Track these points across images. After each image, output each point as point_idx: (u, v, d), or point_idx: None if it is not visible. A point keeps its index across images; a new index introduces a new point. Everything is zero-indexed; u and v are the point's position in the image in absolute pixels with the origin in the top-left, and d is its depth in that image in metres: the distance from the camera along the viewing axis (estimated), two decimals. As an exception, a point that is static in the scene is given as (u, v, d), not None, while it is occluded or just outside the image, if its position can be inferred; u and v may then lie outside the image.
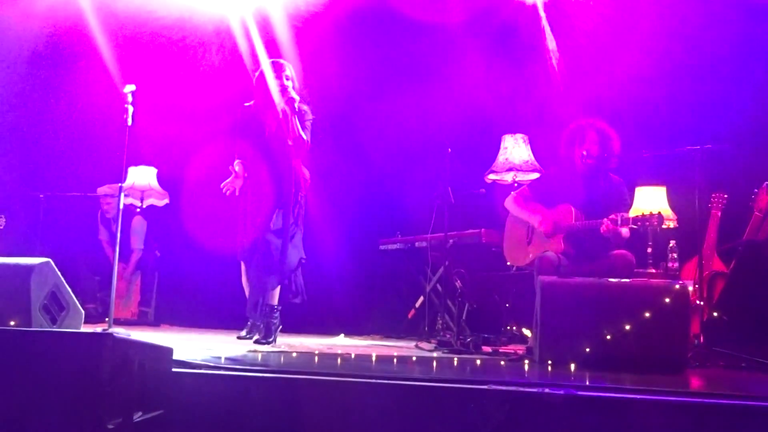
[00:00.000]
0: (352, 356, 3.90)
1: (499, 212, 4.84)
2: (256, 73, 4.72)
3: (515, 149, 5.71)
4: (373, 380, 2.71)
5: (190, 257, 6.70)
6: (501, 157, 5.74)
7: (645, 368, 3.31)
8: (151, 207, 6.84)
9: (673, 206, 5.17)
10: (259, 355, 3.72)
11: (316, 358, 3.69)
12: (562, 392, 2.51)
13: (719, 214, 4.98)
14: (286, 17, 6.15)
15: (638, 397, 2.49)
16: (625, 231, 4.19)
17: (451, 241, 5.28)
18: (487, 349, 4.47)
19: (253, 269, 4.55)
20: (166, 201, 6.84)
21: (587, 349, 3.46)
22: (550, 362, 3.48)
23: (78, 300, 3.90)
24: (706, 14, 5.36)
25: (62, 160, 6.89)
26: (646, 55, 5.53)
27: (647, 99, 5.46)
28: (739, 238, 4.75)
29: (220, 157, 5.12)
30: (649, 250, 5.00)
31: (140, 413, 2.44)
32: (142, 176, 6.71)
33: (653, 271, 4.89)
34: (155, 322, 6.71)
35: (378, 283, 6.56)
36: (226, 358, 3.28)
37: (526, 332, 5.23)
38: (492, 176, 5.82)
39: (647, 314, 3.46)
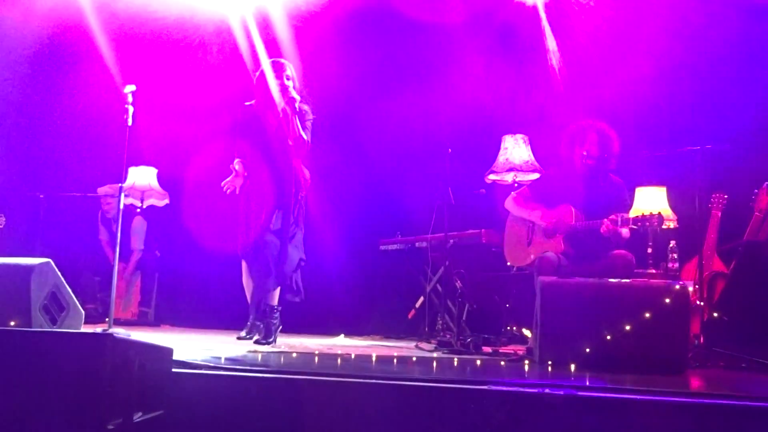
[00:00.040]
0: (352, 356, 3.90)
1: (500, 213, 4.84)
2: (257, 73, 4.72)
3: (515, 149, 5.71)
4: (373, 381, 2.71)
5: (190, 257, 6.70)
6: (501, 158, 5.74)
7: (645, 369, 3.31)
8: (152, 207, 6.84)
9: (674, 206, 5.17)
10: (259, 356, 3.72)
11: (316, 359, 3.69)
12: (562, 393, 2.51)
13: (719, 214, 4.98)
14: (287, 17, 6.16)
15: (638, 397, 2.49)
16: (625, 231, 4.19)
17: (451, 241, 5.28)
18: (487, 349, 4.47)
19: (254, 269, 4.55)
20: (167, 201, 6.84)
21: (587, 350, 3.46)
22: (550, 363, 3.48)
23: (78, 300, 3.90)
24: (706, 14, 5.36)
25: (63, 160, 6.90)
26: (647, 55, 5.53)
27: (647, 99, 5.46)
28: (740, 238, 4.75)
29: (220, 157, 5.12)
30: (650, 250, 5.00)
31: (140, 413, 2.44)
32: (142, 176, 6.71)
33: (653, 271, 4.89)
34: (155, 323, 6.71)
35: (378, 284, 6.56)
36: (226, 359, 3.28)
37: (526, 333, 5.23)
38: (492, 176, 5.82)
39: (647, 315, 3.46)
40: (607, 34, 5.67)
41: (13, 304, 3.52)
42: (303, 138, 4.52)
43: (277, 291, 4.54)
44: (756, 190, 4.79)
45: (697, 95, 5.40)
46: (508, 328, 5.47)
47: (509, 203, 4.67)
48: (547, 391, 2.53)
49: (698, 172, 4.33)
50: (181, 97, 6.47)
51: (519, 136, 5.76)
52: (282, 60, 4.74)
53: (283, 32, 6.03)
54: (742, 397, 2.51)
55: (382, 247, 6.26)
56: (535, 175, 5.56)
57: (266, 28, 6.02)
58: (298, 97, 4.55)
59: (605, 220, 4.11)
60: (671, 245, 4.91)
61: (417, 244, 5.89)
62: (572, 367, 3.38)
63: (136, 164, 6.66)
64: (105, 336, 2.32)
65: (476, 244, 5.51)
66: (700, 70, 5.39)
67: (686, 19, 5.42)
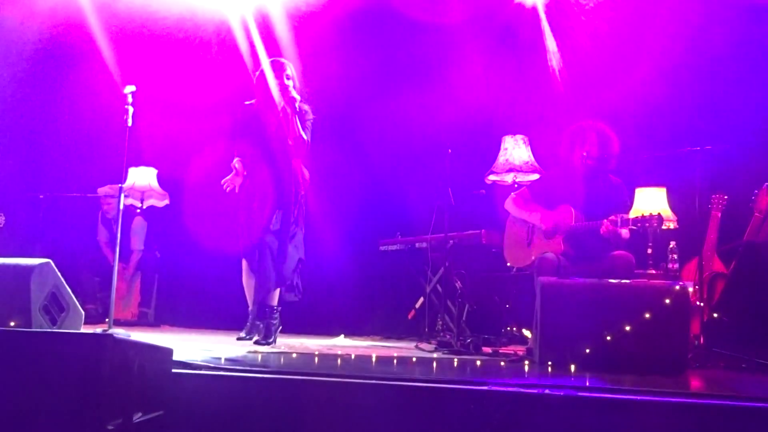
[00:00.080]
0: (352, 357, 3.90)
1: (500, 213, 4.84)
2: (257, 73, 4.72)
3: (515, 150, 5.71)
4: (373, 381, 2.71)
5: (190, 258, 6.70)
6: (501, 158, 5.74)
7: (645, 369, 3.31)
8: (152, 208, 6.84)
9: (674, 207, 5.17)
10: (259, 356, 3.72)
11: (316, 359, 3.69)
12: (562, 393, 2.51)
13: (719, 215, 4.98)
14: (287, 17, 6.16)
15: (638, 398, 2.49)
16: (624, 232, 4.18)
17: (451, 241, 5.28)
18: (487, 349, 4.47)
19: (255, 269, 4.54)
20: (167, 202, 6.83)
21: (587, 350, 3.46)
22: (550, 363, 3.48)
23: (78, 300, 3.90)
24: (706, 15, 5.36)
25: (63, 160, 6.90)
26: (646, 55, 5.53)
27: (647, 100, 5.46)
28: (740, 239, 4.75)
29: (220, 158, 5.12)
30: (650, 251, 4.99)
31: (140, 414, 2.44)
32: (142, 177, 6.71)
33: (653, 272, 4.89)
34: (155, 323, 6.71)
35: (378, 284, 6.56)
36: (226, 359, 3.28)
37: (526, 333, 5.23)
38: (492, 177, 5.82)
39: (647, 315, 3.46)
40: (607, 34, 5.68)
41: (13, 304, 3.52)
42: (303, 138, 4.52)
43: (277, 292, 4.54)
44: (756, 191, 4.79)
45: (696, 96, 5.40)
46: (508, 328, 5.47)
47: (509, 204, 4.67)
48: (547, 391, 2.53)
49: (698, 173, 4.33)
50: (181, 98, 6.47)
51: (519, 136, 5.76)
52: (282, 59, 4.74)
53: (283, 32, 6.03)
54: (742, 397, 2.51)
55: (382, 248, 6.26)
56: (535, 176, 5.56)
57: (266, 29, 6.03)
58: (298, 97, 4.55)
59: (605, 220, 4.11)
60: (671, 246, 4.90)
61: (417, 245, 5.89)
62: (572, 367, 3.38)
63: (136, 165, 6.66)
64: (105, 336, 2.33)
65: (476, 244, 5.51)
66: (700, 71, 5.39)
67: (686, 20, 5.42)
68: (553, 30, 6.01)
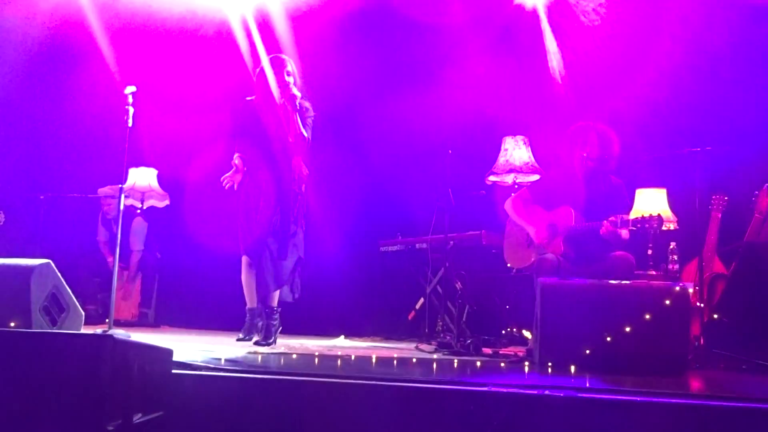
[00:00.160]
0: (353, 358, 3.90)
1: (500, 214, 4.84)
2: (257, 70, 4.71)
3: (516, 151, 5.71)
4: (373, 382, 2.71)
5: (190, 259, 6.70)
6: (501, 159, 5.74)
7: (645, 370, 3.31)
8: (152, 208, 6.84)
9: (674, 208, 5.17)
10: (259, 357, 3.72)
11: (316, 360, 3.69)
12: (562, 394, 2.51)
13: (720, 215, 4.98)
14: (287, 17, 6.16)
15: (638, 399, 2.49)
16: (624, 233, 4.18)
17: (451, 242, 5.28)
18: (487, 350, 4.47)
19: (256, 267, 4.54)
20: (167, 202, 6.83)
21: (587, 351, 3.46)
22: (550, 364, 3.48)
23: (78, 301, 3.89)
24: (706, 16, 5.36)
25: (63, 161, 6.90)
26: (647, 56, 5.53)
27: (648, 100, 5.46)
28: (740, 240, 4.75)
29: (221, 158, 5.12)
30: (650, 251, 4.99)
31: (140, 415, 2.44)
32: (142, 177, 6.71)
33: (653, 272, 4.88)
34: (155, 324, 6.71)
35: (378, 285, 6.55)
36: (226, 360, 3.28)
37: (527, 334, 5.23)
38: (492, 178, 5.82)
39: (648, 316, 3.46)
40: (607, 35, 5.68)
41: (13, 305, 3.52)
42: (304, 135, 4.52)
43: (277, 293, 4.54)
44: (756, 192, 4.79)
45: (697, 97, 5.40)
46: (508, 329, 5.47)
47: (508, 206, 4.66)
48: (547, 392, 2.53)
49: (698, 174, 4.33)
50: (181, 98, 6.47)
51: (519, 137, 5.76)
52: (282, 56, 4.72)
53: (284, 33, 6.03)
54: (743, 398, 2.51)
55: (383, 248, 6.26)
56: (536, 177, 5.56)
57: (266, 29, 6.03)
58: (299, 94, 4.54)
59: (605, 221, 4.11)
60: (671, 247, 4.90)
61: (417, 246, 5.89)
62: (572, 368, 3.38)
63: (137, 165, 6.66)
64: (105, 337, 2.33)
65: (476, 245, 5.51)
66: (700, 72, 5.39)
67: (687, 21, 5.42)
68: (553, 31, 6.01)
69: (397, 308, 6.22)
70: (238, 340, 4.54)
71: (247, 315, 4.64)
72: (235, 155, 4.61)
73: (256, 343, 4.37)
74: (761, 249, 4.41)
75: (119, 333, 3.48)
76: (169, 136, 6.55)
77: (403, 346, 5.12)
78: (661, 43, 5.49)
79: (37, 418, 2.23)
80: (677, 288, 3.54)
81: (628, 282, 3.74)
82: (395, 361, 3.77)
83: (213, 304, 6.39)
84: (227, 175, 4.58)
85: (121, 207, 4.45)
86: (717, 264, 4.90)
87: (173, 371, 2.76)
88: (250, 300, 4.62)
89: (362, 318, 6.22)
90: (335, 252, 6.20)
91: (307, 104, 4.61)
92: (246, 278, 4.61)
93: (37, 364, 2.28)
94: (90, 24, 6.21)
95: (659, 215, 4.05)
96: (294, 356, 3.88)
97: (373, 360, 3.77)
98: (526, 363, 3.84)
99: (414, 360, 3.94)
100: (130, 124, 4.36)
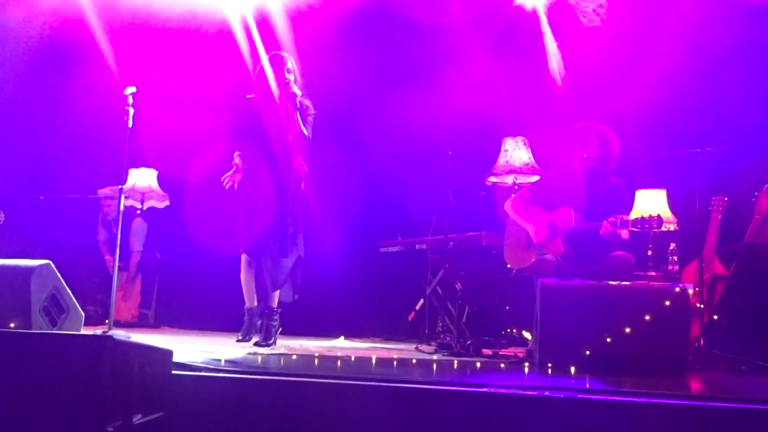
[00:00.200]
0: (352, 359, 3.90)
1: (500, 215, 4.84)
2: (257, 68, 4.70)
3: (515, 152, 5.71)
4: (373, 383, 2.71)
5: (190, 259, 6.70)
6: (501, 160, 5.74)
7: (645, 371, 3.31)
8: (152, 209, 6.83)
9: (674, 209, 5.17)
10: (259, 358, 3.72)
11: (316, 361, 3.69)
12: (562, 395, 2.51)
13: (720, 217, 4.98)
14: (287, 16, 6.16)
15: (638, 400, 2.49)
16: (624, 233, 4.18)
17: (451, 243, 5.27)
18: (487, 351, 4.47)
19: (256, 267, 4.54)
20: (167, 203, 6.83)
21: (587, 352, 3.46)
22: (550, 365, 3.48)
23: (78, 302, 3.90)
24: (707, 16, 5.36)
25: (63, 161, 6.90)
26: (647, 57, 5.53)
27: (648, 101, 5.46)
28: (740, 241, 4.75)
29: (221, 159, 5.12)
30: (650, 252, 4.99)
31: (140, 416, 2.44)
32: (142, 178, 6.71)
33: (653, 273, 4.88)
34: (155, 324, 6.71)
35: (378, 286, 6.55)
36: (226, 361, 3.28)
37: (526, 335, 5.23)
38: (492, 179, 5.82)
39: (647, 317, 3.46)
40: (608, 36, 5.68)
41: (13, 305, 3.52)
42: (304, 133, 4.51)
43: (277, 294, 4.54)
44: (756, 193, 4.79)
45: (697, 97, 5.40)
46: (508, 330, 5.47)
47: (508, 207, 4.67)
48: (547, 393, 2.53)
49: (698, 175, 4.33)
50: (182, 99, 6.47)
51: (519, 138, 5.76)
52: (282, 53, 4.72)
53: (284, 32, 6.03)
54: (742, 399, 2.51)
55: (382, 249, 6.26)
56: (535, 178, 5.55)
57: (266, 29, 6.03)
58: (299, 92, 4.54)
59: (604, 222, 4.11)
60: (671, 247, 4.91)
61: (417, 246, 5.88)
62: (572, 369, 3.38)
63: (137, 166, 6.66)
64: (105, 338, 2.32)
65: (476, 246, 5.50)
66: (701, 73, 5.39)
67: (687, 22, 5.42)
68: (553, 32, 6.01)
69: (397, 309, 6.22)
70: (237, 341, 4.54)
71: (246, 315, 4.64)
72: (236, 154, 4.61)
73: (256, 344, 4.37)
74: (761, 250, 4.41)
75: (119, 334, 3.48)
76: (169, 136, 6.54)
77: (403, 347, 5.12)
78: (661, 44, 5.49)
79: (37, 419, 2.23)
80: (677, 289, 3.54)
81: (627, 283, 3.74)
82: (395, 362, 3.77)
83: (213, 305, 6.39)
84: (227, 174, 4.58)
85: (121, 208, 4.45)
86: (717, 265, 4.90)
87: (173, 372, 2.76)
88: (249, 299, 4.62)
89: (362, 319, 6.22)
90: (335, 252, 6.19)
91: (307, 102, 4.60)
92: (245, 277, 4.61)
93: (37, 364, 2.28)
94: (90, 24, 6.20)
95: (659, 216, 4.04)
96: (294, 357, 3.88)
97: (373, 361, 3.77)
98: (526, 364, 3.84)
99: (414, 361, 3.94)
100: (130, 125, 4.37)
